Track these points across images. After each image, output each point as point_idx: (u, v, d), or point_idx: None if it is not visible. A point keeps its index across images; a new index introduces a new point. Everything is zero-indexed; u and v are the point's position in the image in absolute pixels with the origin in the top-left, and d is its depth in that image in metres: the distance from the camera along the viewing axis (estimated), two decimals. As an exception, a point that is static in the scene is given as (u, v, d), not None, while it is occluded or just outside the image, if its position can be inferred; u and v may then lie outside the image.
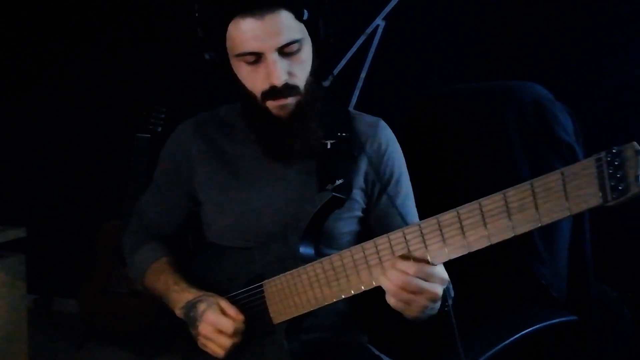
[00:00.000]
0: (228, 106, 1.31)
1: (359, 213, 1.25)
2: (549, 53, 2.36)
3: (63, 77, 3.19)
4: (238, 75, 1.16)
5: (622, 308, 1.60)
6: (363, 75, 2.60)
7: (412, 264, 0.95)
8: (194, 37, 1.16)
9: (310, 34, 1.14)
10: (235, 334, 1.11)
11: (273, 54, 1.09)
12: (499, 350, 1.18)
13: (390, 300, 0.99)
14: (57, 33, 3.16)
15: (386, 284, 0.98)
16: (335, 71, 2.57)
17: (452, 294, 1.18)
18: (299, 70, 1.13)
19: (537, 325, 1.28)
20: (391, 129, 1.30)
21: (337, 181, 1.16)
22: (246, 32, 1.08)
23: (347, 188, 1.18)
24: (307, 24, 1.12)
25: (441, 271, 0.99)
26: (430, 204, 1.32)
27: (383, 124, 1.29)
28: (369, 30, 2.60)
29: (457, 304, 1.18)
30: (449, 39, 2.52)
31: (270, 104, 1.14)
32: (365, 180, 1.24)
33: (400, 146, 1.30)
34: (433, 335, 1.13)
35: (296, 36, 1.10)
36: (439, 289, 0.98)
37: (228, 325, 1.10)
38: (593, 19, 2.29)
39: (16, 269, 2.14)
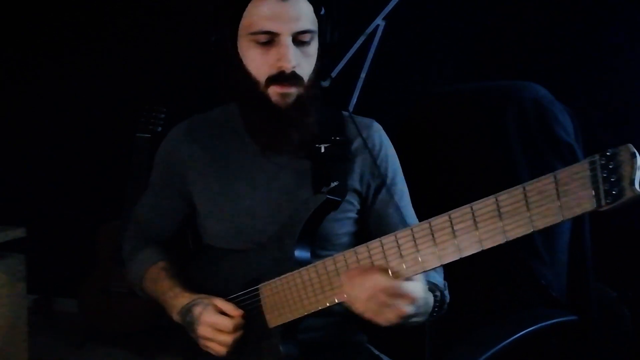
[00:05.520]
0: (221, 107, 1.30)
1: (353, 214, 1.24)
2: (549, 53, 2.36)
3: (63, 76, 3.18)
4: (244, 59, 1.15)
5: (621, 308, 1.60)
6: (363, 75, 2.60)
7: (385, 279, 0.95)
8: (199, 25, 1.15)
9: (319, 33, 1.17)
10: (235, 329, 1.10)
11: (288, 37, 1.11)
12: (499, 350, 1.18)
13: (358, 308, 0.99)
14: (57, 33, 3.16)
15: (353, 294, 0.99)
16: (335, 71, 2.57)
17: (448, 300, 1.16)
18: (305, 63, 1.15)
19: (537, 325, 1.27)
20: (391, 129, 1.30)
21: (332, 183, 1.16)
22: (266, 11, 1.10)
23: (342, 190, 1.17)
24: (320, 21, 1.16)
25: (412, 289, 0.97)
26: (430, 204, 1.32)
27: (377, 125, 1.28)
28: (369, 30, 2.59)
29: (458, 304, 1.18)
30: (449, 39, 2.52)
31: (273, 90, 1.14)
32: (360, 182, 1.24)
33: (401, 146, 1.30)
34: (432, 335, 1.13)
35: (311, 27, 1.13)
36: (407, 308, 0.97)
37: (226, 322, 1.10)
38: (593, 19, 2.30)
39: (16, 269, 2.14)
